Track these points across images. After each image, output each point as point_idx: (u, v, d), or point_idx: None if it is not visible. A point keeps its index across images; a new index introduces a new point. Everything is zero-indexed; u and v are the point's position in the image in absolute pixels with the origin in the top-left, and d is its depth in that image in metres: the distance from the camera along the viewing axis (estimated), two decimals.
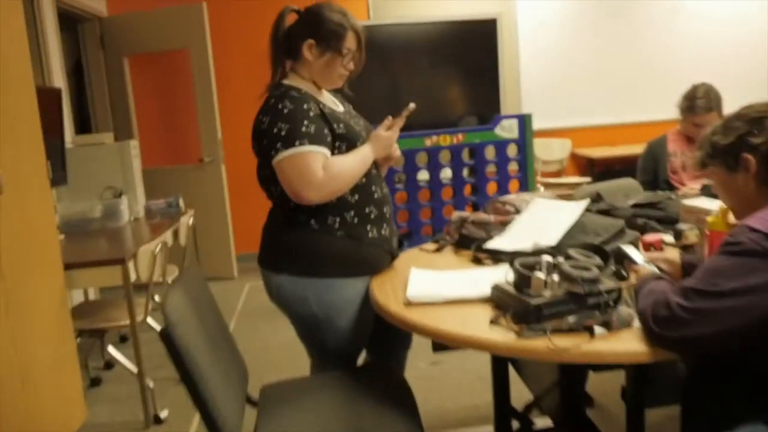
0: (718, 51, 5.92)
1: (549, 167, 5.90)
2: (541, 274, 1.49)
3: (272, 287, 1.98)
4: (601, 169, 5.89)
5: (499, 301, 1.61)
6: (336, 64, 1.95)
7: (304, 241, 1.90)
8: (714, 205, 1.85)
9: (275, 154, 1.80)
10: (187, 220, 3.74)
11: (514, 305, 1.52)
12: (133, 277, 2.81)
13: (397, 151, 2.06)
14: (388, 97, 5.38)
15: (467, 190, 4.70)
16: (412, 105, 1.98)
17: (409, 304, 1.68)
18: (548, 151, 5.84)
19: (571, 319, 1.46)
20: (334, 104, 2.05)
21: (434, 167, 4.48)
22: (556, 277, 1.48)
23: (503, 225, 2.16)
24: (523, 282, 1.53)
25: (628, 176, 3.29)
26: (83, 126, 5.46)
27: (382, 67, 5.38)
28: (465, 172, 4.58)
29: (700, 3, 5.91)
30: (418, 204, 4.50)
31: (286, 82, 1.95)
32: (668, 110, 5.97)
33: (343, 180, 1.86)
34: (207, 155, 5.15)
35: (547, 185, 5.59)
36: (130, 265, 2.78)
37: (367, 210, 1.95)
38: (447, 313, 1.61)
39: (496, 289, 1.62)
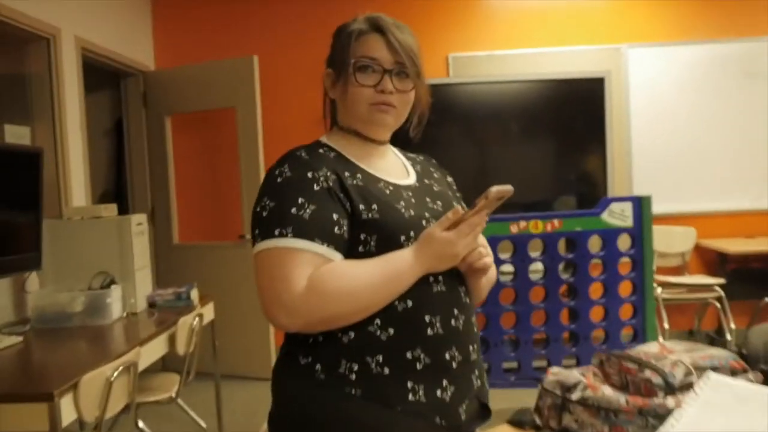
0: None
1: (667, 262, 4.74)
2: None
3: None
4: (736, 266, 4.68)
5: None
6: (350, 84, 1.27)
7: (299, 397, 1.17)
8: None
9: (253, 245, 1.20)
10: (191, 320, 2.89)
11: None
12: (71, 417, 1.95)
13: (483, 259, 1.26)
14: (469, 169, 4.47)
15: (562, 290, 3.67)
16: (502, 188, 1.14)
17: None
18: (666, 242, 4.70)
19: None
20: (402, 172, 1.36)
21: (521, 260, 3.50)
22: None
23: (643, 414, 1.15)
24: None
25: None
26: (118, 194, 4.84)
27: (463, 133, 4.50)
28: (561, 267, 3.57)
29: None
30: (499, 307, 3.51)
31: (322, 139, 1.34)
32: None
33: (343, 302, 1.14)
34: (248, 231, 4.36)
35: (664, 285, 4.44)
36: (67, 400, 1.93)
37: (409, 355, 1.17)
38: None
39: None
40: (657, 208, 4.42)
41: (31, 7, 3.29)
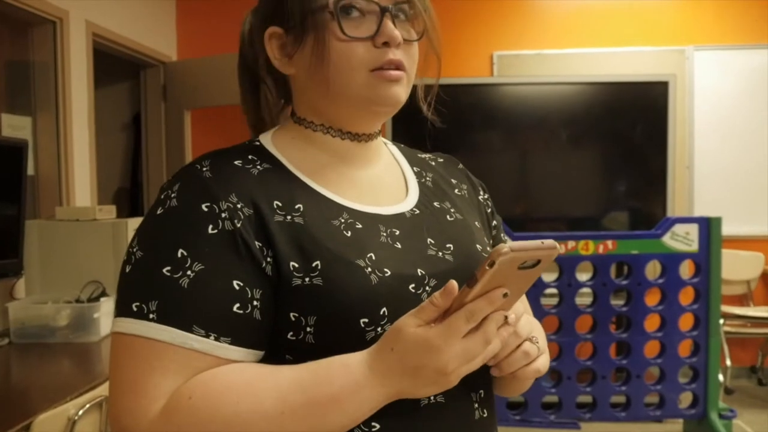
0: None
1: (730, 290, 4.25)
2: None
3: None
4: None
5: None
6: (333, 40, 0.77)
7: None
8: None
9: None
10: None
11: None
12: None
13: (534, 365, 0.77)
14: (512, 180, 4.06)
15: (613, 320, 3.25)
16: (524, 247, 0.63)
17: None
18: (730, 268, 4.21)
19: None
20: (397, 188, 0.88)
21: (567, 285, 3.09)
22: None
23: None
24: None
25: None
26: (134, 192, 4.56)
27: (505, 139, 4.09)
28: (612, 295, 3.15)
29: None
30: None
31: (260, 139, 0.87)
32: None
33: None
34: None
35: (727, 316, 3.96)
36: None
37: None
38: None
39: None
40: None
41: None
